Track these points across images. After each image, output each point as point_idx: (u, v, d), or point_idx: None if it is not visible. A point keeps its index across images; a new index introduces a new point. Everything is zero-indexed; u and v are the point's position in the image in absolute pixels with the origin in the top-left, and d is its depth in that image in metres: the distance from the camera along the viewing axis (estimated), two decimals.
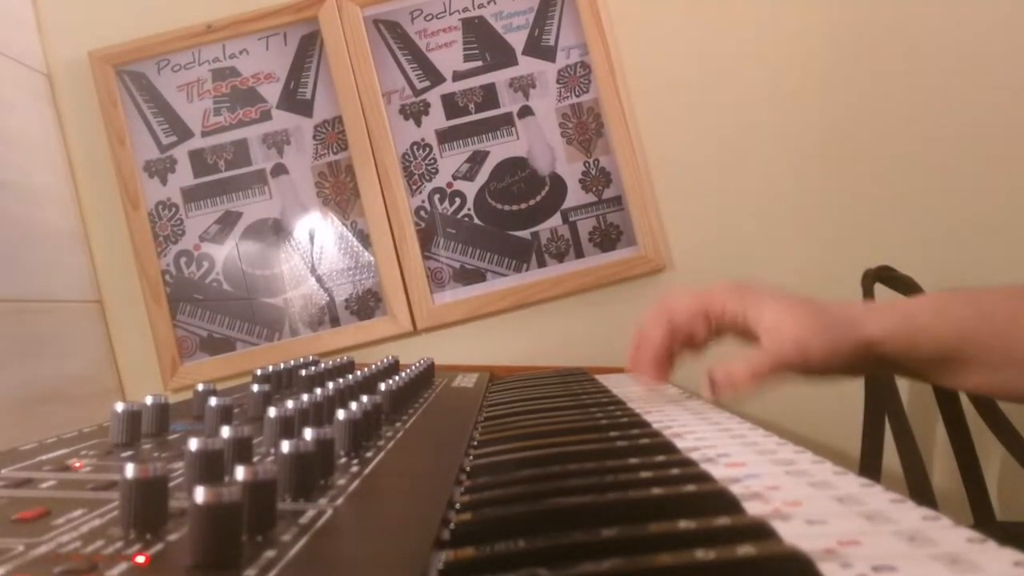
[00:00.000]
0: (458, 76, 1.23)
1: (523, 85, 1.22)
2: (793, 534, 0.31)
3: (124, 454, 0.48)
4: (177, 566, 0.28)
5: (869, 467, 0.96)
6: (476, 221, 1.21)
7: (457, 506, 0.39)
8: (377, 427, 0.54)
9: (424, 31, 1.23)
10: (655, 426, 0.56)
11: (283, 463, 0.36)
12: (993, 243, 1.15)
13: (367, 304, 1.21)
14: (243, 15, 1.22)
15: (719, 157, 1.20)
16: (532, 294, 1.18)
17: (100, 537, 0.31)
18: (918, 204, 1.17)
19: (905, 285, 1.03)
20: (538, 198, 1.21)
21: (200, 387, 0.64)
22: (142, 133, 1.23)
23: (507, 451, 0.51)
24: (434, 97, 1.22)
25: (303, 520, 0.33)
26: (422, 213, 1.21)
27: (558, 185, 1.21)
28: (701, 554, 0.28)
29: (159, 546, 0.30)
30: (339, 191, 1.22)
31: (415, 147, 1.22)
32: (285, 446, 0.37)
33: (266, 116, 1.23)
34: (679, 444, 0.49)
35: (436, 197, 1.21)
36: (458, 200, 1.21)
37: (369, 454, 0.47)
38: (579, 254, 1.19)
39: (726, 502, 0.36)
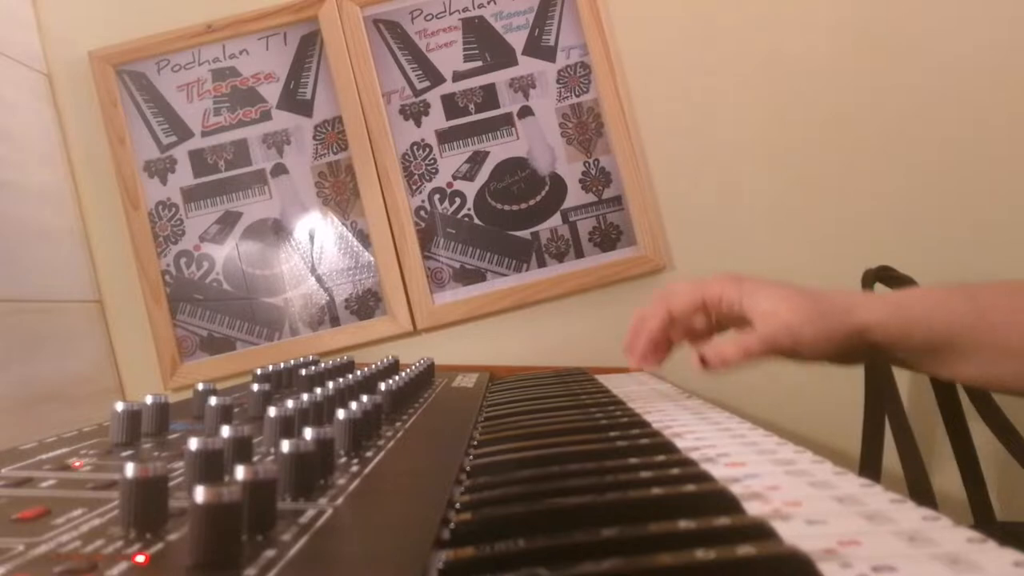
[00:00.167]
0: (458, 76, 1.23)
1: (523, 85, 1.22)
2: (793, 534, 0.31)
3: (124, 454, 0.48)
4: (177, 566, 0.28)
5: (869, 467, 0.96)
6: (476, 221, 1.21)
7: (457, 506, 0.39)
8: (377, 427, 0.54)
9: (424, 31, 1.23)
10: (655, 426, 0.56)
11: (283, 463, 0.36)
12: (993, 243, 1.15)
13: (367, 304, 1.21)
14: (243, 15, 1.22)
15: (719, 157, 1.20)
16: (532, 294, 1.18)
17: (100, 536, 0.31)
18: (918, 204, 1.17)
19: (904, 285, 1.03)
20: (538, 198, 1.21)
21: (200, 387, 0.64)
22: (142, 133, 1.23)
23: (507, 451, 0.51)
24: (434, 97, 1.22)
25: (303, 520, 0.33)
26: (422, 213, 1.21)
27: (558, 185, 1.21)
28: (701, 554, 0.28)
29: (159, 546, 0.30)
30: (339, 191, 1.22)
31: (415, 147, 1.22)
32: (285, 446, 0.37)
33: (266, 116, 1.23)
34: (679, 444, 0.49)
35: (436, 197, 1.21)
36: (458, 200, 1.21)
37: (369, 454, 0.47)
38: (579, 254, 1.19)
39: (726, 502, 0.36)
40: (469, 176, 1.21)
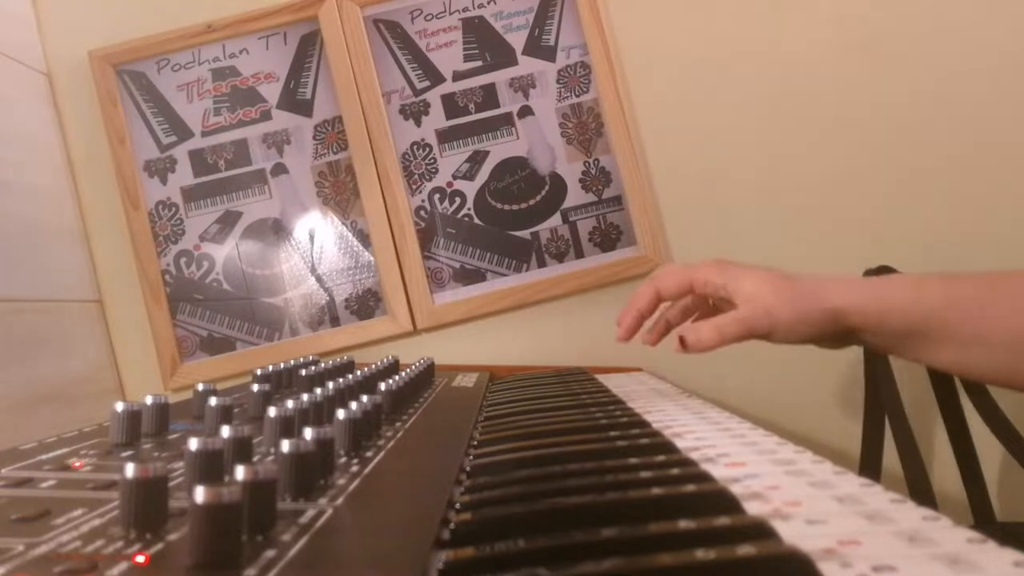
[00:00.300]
0: (458, 76, 1.23)
1: (523, 85, 1.22)
2: (793, 534, 0.31)
3: (124, 454, 0.48)
4: (177, 566, 0.28)
5: (869, 467, 0.96)
6: (476, 221, 1.21)
7: (457, 506, 0.39)
8: (377, 427, 0.54)
9: (424, 31, 1.23)
10: (655, 426, 0.56)
11: (283, 463, 0.36)
12: (993, 243, 1.15)
13: (367, 304, 1.21)
14: (243, 15, 1.22)
15: (719, 157, 1.20)
16: (532, 294, 1.18)
17: (100, 537, 0.31)
18: (918, 204, 1.17)
19: None
20: (538, 198, 1.21)
21: (200, 387, 0.64)
22: (142, 133, 1.23)
23: (507, 451, 0.51)
24: (434, 97, 1.22)
25: (303, 520, 0.33)
26: (422, 213, 1.21)
27: (558, 185, 1.21)
28: (701, 554, 0.28)
29: (159, 546, 0.30)
30: (339, 191, 1.22)
31: (415, 147, 1.22)
32: (285, 446, 0.37)
33: (266, 116, 1.23)
34: (679, 444, 0.49)
35: (436, 197, 1.21)
36: (458, 200, 1.21)
37: (369, 454, 0.47)
38: (579, 254, 1.19)
39: (726, 502, 0.36)
40: (469, 176, 1.21)
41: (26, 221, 1.09)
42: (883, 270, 1.03)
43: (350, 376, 0.66)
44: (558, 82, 1.22)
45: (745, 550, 0.29)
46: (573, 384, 0.88)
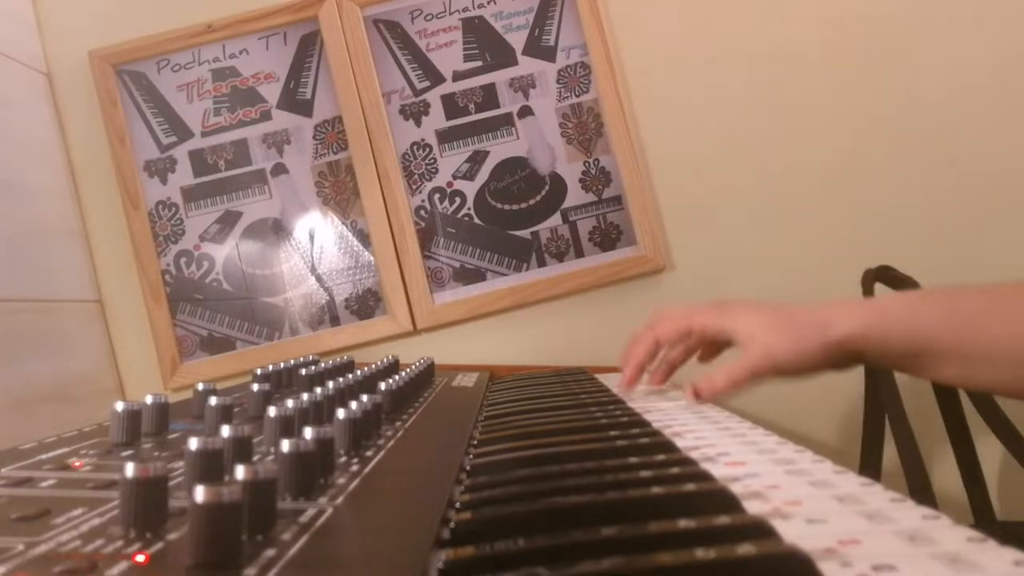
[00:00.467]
0: (458, 76, 1.23)
1: (523, 85, 1.22)
2: (793, 533, 0.31)
3: (124, 453, 0.48)
4: (177, 565, 0.28)
5: (869, 467, 0.96)
6: (476, 221, 1.21)
7: (457, 505, 0.39)
8: (377, 426, 0.54)
9: (424, 31, 1.23)
10: (655, 425, 0.56)
11: (283, 462, 0.36)
12: (993, 243, 1.15)
13: (367, 304, 1.21)
14: (243, 15, 1.22)
15: (719, 156, 1.20)
16: (532, 294, 1.18)
17: (100, 536, 0.31)
18: (918, 204, 1.17)
19: (905, 285, 1.03)
20: (538, 198, 1.21)
21: (200, 386, 0.64)
22: (142, 133, 1.23)
23: (507, 450, 0.51)
24: (434, 97, 1.22)
25: (303, 519, 0.33)
26: (422, 213, 1.21)
27: (558, 185, 1.21)
28: (701, 553, 0.28)
29: (159, 545, 0.30)
30: (339, 191, 1.22)
31: (415, 147, 1.22)
32: (285, 445, 0.37)
33: (266, 116, 1.23)
34: (679, 443, 0.49)
35: (436, 197, 1.21)
36: (458, 200, 1.21)
37: (369, 453, 0.47)
38: (579, 254, 1.19)
39: (726, 501, 0.36)
40: (469, 176, 1.21)
41: (26, 221, 1.09)
42: (883, 270, 1.03)
43: (350, 376, 0.66)
44: (558, 82, 1.22)
45: (745, 549, 0.29)
46: (573, 384, 0.88)
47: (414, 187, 1.21)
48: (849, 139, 1.19)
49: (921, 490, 0.84)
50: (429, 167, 1.21)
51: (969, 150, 1.17)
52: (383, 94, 1.22)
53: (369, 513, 0.36)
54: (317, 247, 1.22)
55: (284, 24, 1.23)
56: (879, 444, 0.97)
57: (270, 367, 0.81)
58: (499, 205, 1.21)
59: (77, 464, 0.44)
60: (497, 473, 0.45)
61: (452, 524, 0.36)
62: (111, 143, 1.22)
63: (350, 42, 1.22)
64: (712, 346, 0.76)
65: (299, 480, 0.37)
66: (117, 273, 1.22)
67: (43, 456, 0.47)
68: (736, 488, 0.38)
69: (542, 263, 1.20)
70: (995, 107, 1.17)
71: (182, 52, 1.23)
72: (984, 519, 0.98)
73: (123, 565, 0.28)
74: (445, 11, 1.23)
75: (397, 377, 0.67)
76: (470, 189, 1.21)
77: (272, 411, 0.48)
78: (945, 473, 1.03)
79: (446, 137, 1.22)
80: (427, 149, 1.22)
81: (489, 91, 1.22)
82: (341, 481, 0.40)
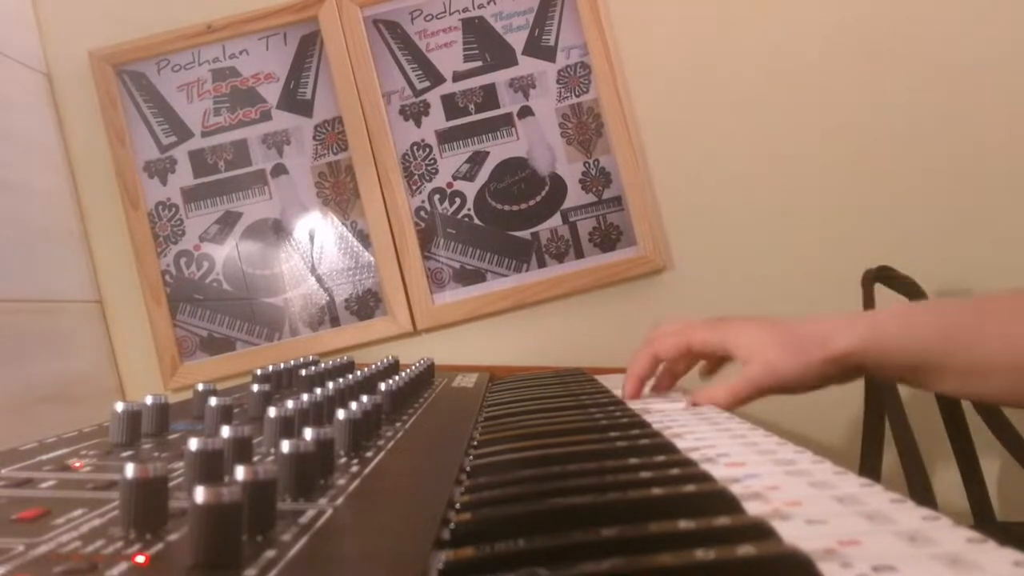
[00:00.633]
0: (458, 76, 1.23)
1: (523, 85, 1.22)
2: (793, 534, 0.31)
3: (124, 454, 0.48)
4: (177, 566, 0.28)
5: (869, 467, 0.96)
6: (476, 221, 1.21)
7: (457, 506, 0.39)
8: (377, 427, 0.54)
9: (424, 31, 1.23)
10: (655, 426, 0.56)
11: (283, 463, 0.36)
12: (993, 243, 1.15)
13: (367, 304, 1.21)
14: (243, 15, 1.22)
15: (719, 157, 1.20)
16: (532, 294, 1.18)
17: (100, 537, 0.31)
18: (918, 204, 1.17)
19: (905, 285, 1.03)
20: (538, 198, 1.21)
21: (200, 387, 0.64)
22: (142, 133, 1.23)
23: (507, 451, 0.51)
24: (434, 97, 1.22)
25: (303, 520, 0.33)
26: (422, 213, 1.21)
27: (558, 185, 1.21)
28: (701, 554, 0.28)
29: (159, 546, 0.30)
30: (339, 191, 1.22)
31: (415, 147, 1.22)
32: (285, 446, 0.37)
33: (266, 116, 1.23)
34: (679, 444, 0.49)
35: (436, 197, 1.21)
36: (458, 200, 1.21)
37: (369, 454, 0.47)
38: (579, 254, 1.19)
39: (726, 502, 0.36)
40: (469, 176, 1.21)
41: (26, 221, 1.09)
42: (883, 270, 1.03)
43: (350, 376, 0.66)
44: (558, 82, 1.22)
45: (745, 550, 0.29)
46: (573, 385, 0.88)
47: (414, 188, 1.21)
48: (849, 139, 1.19)
49: (921, 491, 0.84)
50: (429, 168, 1.22)
51: (969, 150, 1.17)
52: (383, 94, 1.22)
53: (369, 514, 0.36)
54: (317, 248, 1.22)
55: (284, 24, 1.23)
56: (879, 445, 0.97)
57: (270, 368, 0.81)
58: (499, 206, 1.21)
59: (77, 465, 0.44)
60: (497, 474, 0.45)
61: (452, 525, 0.36)
62: (111, 143, 1.22)
63: (350, 42, 1.22)
64: (713, 361, 0.76)
65: (299, 481, 0.37)
66: (117, 273, 1.22)
67: (43, 457, 0.47)
68: (736, 489, 0.38)
69: (542, 264, 1.20)
70: (996, 107, 1.17)
71: (182, 52, 1.23)
72: (984, 520, 0.98)
73: (123, 566, 0.28)
74: (445, 11, 1.23)
75: (397, 378, 0.67)
76: (470, 190, 1.21)
77: (272, 412, 0.48)
78: (945, 473, 1.03)
79: (446, 137, 1.22)
80: (427, 149, 1.22)
81: (489, 91, 1.22)
82: (341, 482, 0.40)
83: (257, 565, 0.27)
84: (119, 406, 0.51)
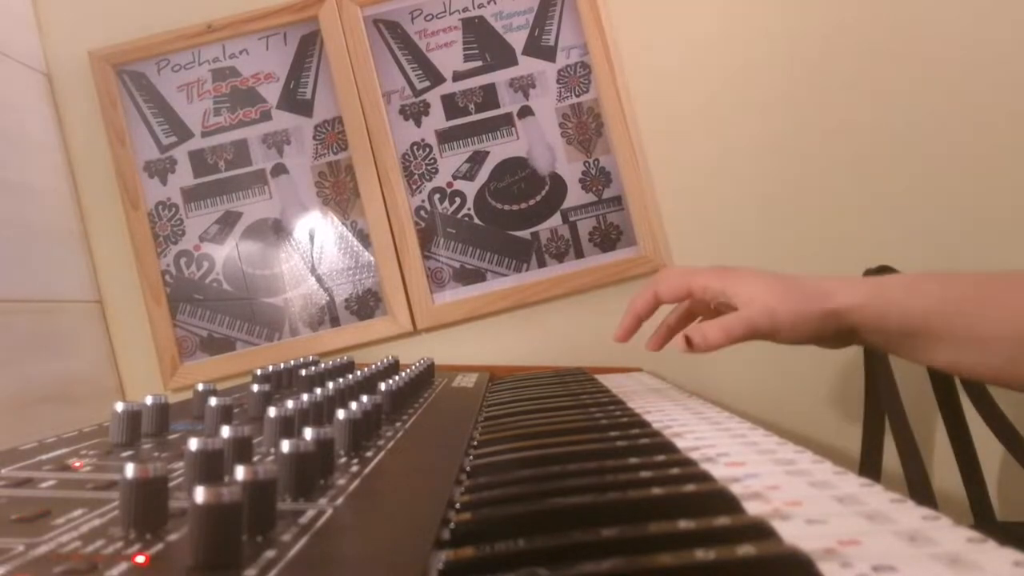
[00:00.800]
0: (458, 76, 1.23)
1: (523, 85, 1.22)
2: (793, 534, 0.31)
3: (124, 454, 0.48)
4: (177, 566, 0.28)
5: (869, 467, 0.96)
6: (476, 221, 1.21)
7: (457, 506, 0.39)
8: (377, 427, 0.54)
9: (424, 31, 1.23)
10: (655, 426, 0.56)
11: (283, 463, 0.36)
12: (993, 243, 1.15)
13: (367, 304, 1.21)
14: (243, 15, 1.22)
15: (719, 157, 1.20)
16: (532, 294, 1.18)
17: (100, 537, 0.31)
18: (918, 204, 1.17)
19: None
20: (538, 198, 1.21)
21: (200, 387, 0.64)
22: (142, 133, 1.23)
23: (507, 451, 0.51)
24: (434, 97, 1.22)
25: (303, 520, 0.33)
26: (422, 213, 1.21)
27: (558, 185, 1.21)
28: (701, 554, 0.28)
29: (159, 546, 0.30)
30: (339, 191, 1.22)
31: (415, 147, 1.22)
32: (285, 446, 0.37)
33: (266, 116, 1.23)
34: (679, 444, 0.49)
35: (436, 197, 1.21)
36: (458, 200, 1.21)
37: (369, 454, 0.47)
38: (579, 254, 1.19)
39: (726, 502, 0.36)
40: (469, 176, 1.21)
41: (26, 221, 1.09)
42: (883, 270, 1.04)
43: (350, 376, 0.66)
44: (558, 82, 1.22)
45: (745, 550, 0.29)
46: (573, 384, 0.88)
47: (414, 187, 1.21)
48: (849, 139, 1.19)
49: (921, 490, 0.84)
50: (429, 167, 1.22)
51: (970, 150, 1.17)
52: (383, 94, 1.22)
53: (369, 514, 0.36)
54: (317, 247, 1.22)
55: (284, 24, 1.23)
56: (879, 445, 0.97)
57: (270, 368, 0.81)
58: (499, 205, 1.21)
59: (77, 465, 0.44)
60: (497, 474, 0.45)
61: (452, 525, 0.36)
62: (111, 143, 1.22)
63: (350, 42, 1.22)
64: (712, 315, 0.75)
65: (299, 481, 0.37)
66: (117, 273, 1.22)
67: (43, 457, 0.47)
68: (736, 489, 0.38)
69: (542, 263, 1.20)
70: (996, 107, 1.17)
71: (182, 52, 1.23)
72: (984, 519, 0.98)
73: (123, 566, 0.28)
74: (445, 11, 1.23)
75: (397, 378, 0.67)
76: (470, 189, 1.21)
77: (272, 412, 0.48)
78: (945, 473, 1.03)
79: (446, 137, 1.22)
80: (427, 149, 1.22)
81: (489, 91, 1.22)
82: (341, 482, 0.40)
83: (257, 565, 0.27)
84: (119, 406, 0.51)
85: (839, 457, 0.43)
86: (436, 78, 1.23)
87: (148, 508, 0.31)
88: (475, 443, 0.56)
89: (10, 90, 1.14)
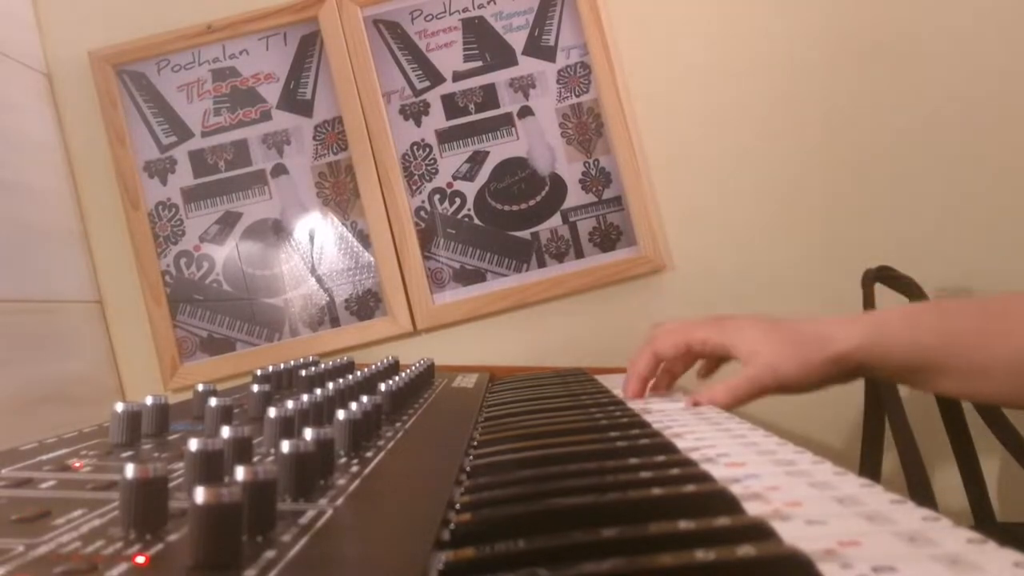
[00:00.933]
0: (458, 76, 1.23)
1: (523, 85, 1.22)
2: (793, 535, 0.31)
3: (124, 454, 0.48)
4: (177, 566, 0.28)
5: (869, 467, 0.96)
6: (476, 221, 1.21)
7: (457, 506, 0.39)
8: (377, 427, 0.54)
9: (424, 31, 1.23)
10: (655, 426, 0.56)
11: (283, 463, 0.36)
12: (993, 243, 1.15)
13: (367, 304, 1.21)
14: (243, 15, 1.22)
15: (719, 157, 1.20)
16: (532, 294, 1.18)
17: (100, 537, 0.31)
18: (918, 204, 1.17)
19: (905, 285, 1.03)
20: (538, 198, 1.21)
21: (200, 387, 0.64)
22: (142, 133, 1.23)
23: (507, 451, 0.51)
24: (434, 97, 1.22)
25: (303, 520, 0.33)
26: (422, 213, 1.21)
27: (558, 185, 1.21)
28: (701, 554, 0.28)
29: (159, 546, 0.30)
30: (339, 191, 1.22)
31: (415, 147, 1.22)
32: (285, 446, 0.37)
33: (266, 116, 1.23)
34: (679, 444, 0.49)
35: (436, 197, 1.21)
36: (458, 200, 1.21)
37: (369, 454, 0.47)
38: (579, 254, 1.19)
39: (726, 502, 0.36)
40: (469, 176, 1.21)
41: (26, 221, 1.09)
42: (883, 270, 1.03)
43: (350, 377, 0.66)
44: (558, 82, 1.22)
45: (745, 550, 0.29)
46: (573, 385, 0.88)
47: (414, 188, 1.21)
48: (849, 139, 1.19)
49: (921, 491, 0.84)
50: (429, 167, 1.22)
51: (970, 150, 1.17)
52: (383, 94, 1.22)
53: (369, 514, 0.36)
54: (317, 248, 1.22)
55: (284, 24, 1.23)
56: (879, 445, 0.97)
57: (270, 368, 0.81)
58: (499, 206, 1.21)
59: (77, 465, 0.44)
60: (497, 474, 0.45)
61: (452, 525, 0.36)
62: (111, 143, 1.22)
63: (350, 42, 1.22)
64: (712, 361, 0.76)
65: (299, 481, 0.37)
66: (117, 274, 1.22)
67: (43, 457, 0.47)
68: (736, 489, 0.38)
69: (542, 264, 1.20)
70: (996, 107, 1.17)
71: (182, 52, 1.23)
72: (984, 520, 0.98)
73: (123, 566, 0.28)
74: (445, 11, 1.23)
75: (397, 378, 0.67)
76: (470, 190, 1.21)
77: (272, 412, 0.48)
78: (945, 474, 1.03)
79: (446, 137, 1.22)
80: (427, 149, 1.22)
81: (489, 91, 1.22)
82: (341, 482, 0.40)
83: (257, 566, 0.27)
84: (119, 406, 0.51)
85: (839, 457, 0.43)
86: (436, 78, 1.23)
87: (148, 508, 0.31)
88: (475, 443, 0.56)
89: (10, 90, 1.14)
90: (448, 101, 1.22)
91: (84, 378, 1.14)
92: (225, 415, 0.54)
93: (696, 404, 0.67)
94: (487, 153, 1.21)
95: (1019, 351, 0.57)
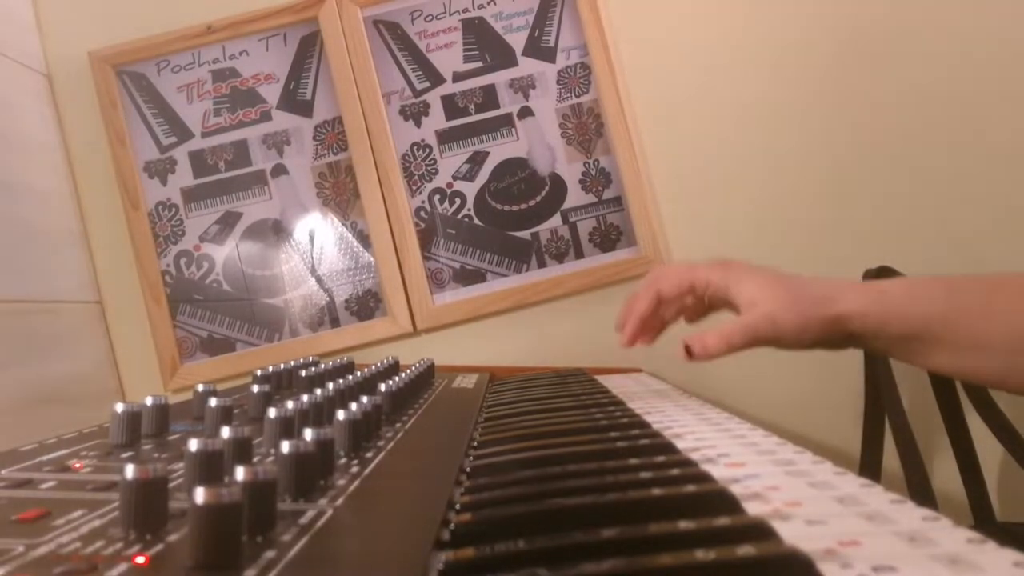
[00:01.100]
0: (458, 77, 1.23)
1: (523, 86, 1.22)
2: (793, 534, 0.31)
3: (124, 455, 0.48)
4: (177, 567, 0.28)
5: (869, 467, 0.96)
6: (476, 221, 1.21)
7: (457, 506, 0.39)
8: (377, 428, 0.54)
9: (424, 32, 1.23)
10: (655, 426, 0.56)
11: (283, 463, 0.36)
12: (993, 243, 1.15)
13: (367, 305, 1.21)
14: (243, 16, 1.22)
15: (719, 157, 1.20)
16: (532, 294, 1.18)
17: (100, 538, 0.31)
18: (918, 204, 1.17)
19: None
20: (538, 198, 1.21)
21: (200, 388, 0.64)
22: (142, 133, 1.23)
23: (507, 452, 0.51)
24: (434, 98, 1.22)
25: (303, 520, 0.33)
26: (422, 213, 1.21)
27: (558, 185, 1.21)
28: (701, 554, 0.28)
29: (159, 547, 0.30)
30: (339, 191, 1.22)
31: (415, 147, 1.22)
32: (285, 446, 0.37)
33: (266, 117, 1.23)
34: (679, 444, 0.49)
35: (436, 197, 1.21)
36: (458, 200, 1.21)
37: (369, 454, 0.47)
38: (579, 254, 1.19)
39: (726, 502, 0.36)
40: (469, 176, 1.21)
41: (26, 221, 1.09)
42: (883, 270, 1.04)
43: (350, 377, 0.66)
44: (558, 83, 1.22)
45: (745, 550, 0.29)
46: (573, 385, 0.88)
47: (414, 188, 1.21)
48: (849, 139, 1.19)
49: (921, 491, 0.84)
50: (429, 168, 1.22)
51: (970, 150, 1.17)
52: (383, 95, 1.22)
53: (369, 515, 0.36)
54: (317, 248, 1.22)
55: (284, 25, 1.23)
56: (879, 445, 0.97)
57: (270, 368, 0.81)
58: (499, 206, 1.21)
59: (77, 466, 0.44)
60: (497, 474, 0.45)
61: (452, 525, 0.36)
62: (111, 144, 1.22)
63: (350, 43, 1.22)
64: (700, 306, 0.73)
65: (299, 481, 0.37)
66: (117, 274, 1.22)
67: (43, 457, 0.47)
68: (736, 489, 0.38)
69: (542, 264, 1.20)
70: (997, 107, 1.17)
71: (182, 53, 1.23)
72: (984, 520, 0.98)
73: (123, 567, 0.28)
74: (445, 12, 1.23)
75: (397, 378, 0.67)
76: (470, 190, 1.21)
77: (272, 412, 0.48)
78: (945, 474, 1.03)
79: (446, 138, 1.22)
80: (427, 150, 1.22)
81: (489, 92, 1.22)
82: (341, 482, 0.40)
83: (257, 566, 0.27)
84: (119, 407, 0.51)
85: (839, 457, 0.43)
86: (436, 79, 1.23)
87: (148, 509, 0.31)
88: (475, 444, 0.56)
89: (10, 90, 1.14)
90: (448, 102, 1.22)
91: (84, 378, 1.14)
92: (225, 415, 0.54)
93: (688, 351, 0.64)
94: (487, 153, 1.21)
95: (1018, 330, 0.57)
